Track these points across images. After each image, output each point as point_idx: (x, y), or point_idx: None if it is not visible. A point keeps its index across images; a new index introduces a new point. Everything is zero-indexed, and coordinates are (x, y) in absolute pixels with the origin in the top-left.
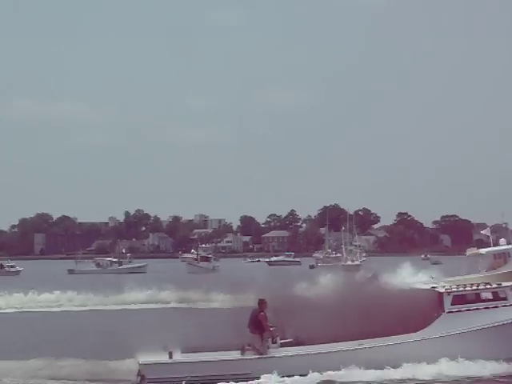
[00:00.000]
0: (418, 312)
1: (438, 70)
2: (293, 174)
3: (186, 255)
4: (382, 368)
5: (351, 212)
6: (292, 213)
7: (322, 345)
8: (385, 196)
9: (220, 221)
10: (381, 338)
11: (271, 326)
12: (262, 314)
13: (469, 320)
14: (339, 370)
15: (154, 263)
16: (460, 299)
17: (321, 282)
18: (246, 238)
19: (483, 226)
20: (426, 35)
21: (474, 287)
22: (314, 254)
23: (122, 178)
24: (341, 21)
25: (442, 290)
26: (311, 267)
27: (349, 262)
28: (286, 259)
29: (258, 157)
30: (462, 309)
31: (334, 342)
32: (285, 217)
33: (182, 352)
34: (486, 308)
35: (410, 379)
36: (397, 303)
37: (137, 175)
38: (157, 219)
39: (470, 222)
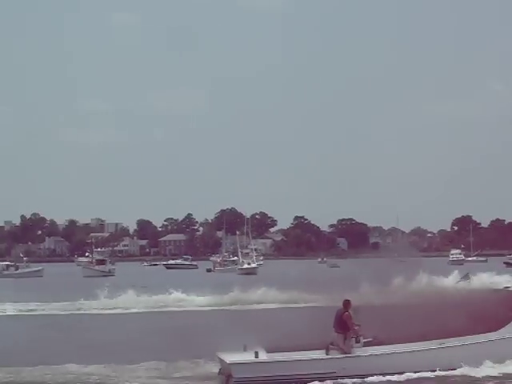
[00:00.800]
0: (493, 312)
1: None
2: (190, 177)
3: (81, 259)
4: (462, 366)
5: (248, 216)
6: (189, 216)
7: (402, 344)
8: (282, 200)
9: (117, 224)
10: (460, 337)
11: (356, 325)
12: (346, 313)
13: None
14: (424, 369)
15: (51, 267)
16: None
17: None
18: (143, 242)
19: (379, 229)
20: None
21: None
22: (211, 258)
23: (17, 181)
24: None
25: None
26: (208, 271)
27: (245, 266)
28: (183, 263)
29: (154, 160)
30: None
31: (412, 341)
32: (181, 220)
33: (267, 352)
34: None
35: (491, 377)
36: (472, 303)
37: (32, 178)
38: (53, 223)
39: (366, 225)
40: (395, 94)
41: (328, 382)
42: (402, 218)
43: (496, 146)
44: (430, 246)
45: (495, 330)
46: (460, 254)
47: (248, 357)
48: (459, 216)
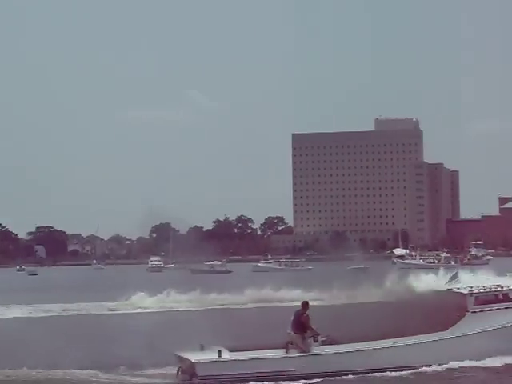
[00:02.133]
0: (441, 313)
1: None
2: None
3: None
4: (414, 366)
5: None
6: None
7: (357, 343)
8: None
9: None
10: (411, 336)
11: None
12: (304, 315)
13: (491, 319)
14: (379, 367)
15: None
16: (481, 300)
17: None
18: None
19: (78, 236)
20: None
21: (493, 289)
22: None
23: None
24: None
25: (466, 292)
26: None
27: None
28: None
29: None
30: (485, 309)
31: (365, 341)
32: None
33: (230, 351)
34: (506, 308)
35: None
36: (422, 305)
37: None
38: None
39: (64, 232)
40: (91, 103)
41: (287, 380)
42: (103, 226)
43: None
44: (128, 252)
45: (443, 330)
46: (159, 261)
47: (211, 356)
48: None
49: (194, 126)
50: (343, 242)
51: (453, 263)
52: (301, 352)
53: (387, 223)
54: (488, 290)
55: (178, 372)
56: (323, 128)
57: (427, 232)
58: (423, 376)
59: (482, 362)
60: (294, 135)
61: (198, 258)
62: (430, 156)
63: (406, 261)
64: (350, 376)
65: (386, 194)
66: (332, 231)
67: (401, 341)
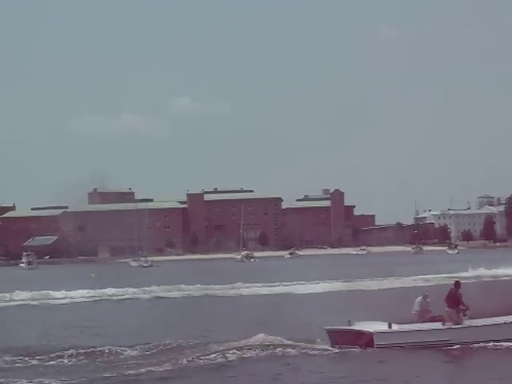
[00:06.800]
0: None
1: None
2: None
3: None
4: None
5: None
6: None
7: (495, 317)
8: None
9: None
10: None
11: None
12: (458, 292)
13: None
14: None
15: None
16: None
17: None
18: None
19: None
20: None
21: None
22: None
23: None
24: None
25: None
26: None
27: None
28: None
29: None
30: None
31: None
32: None
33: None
34: None
35: None
36: None
37: None
38: None
39: None
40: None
41: (447, 347)
42: None
43: None
44: None
45: None
46: None
47: (382, 327)
48: None
49: None
50: None
51: None
52: (454, 324)
53: None
54: None
55: (332, 343)
56: None
57: None
58: None
59: None
60: None
61: None
62: None
63: None
64: (494, 345)
65: None
66: None
67: None
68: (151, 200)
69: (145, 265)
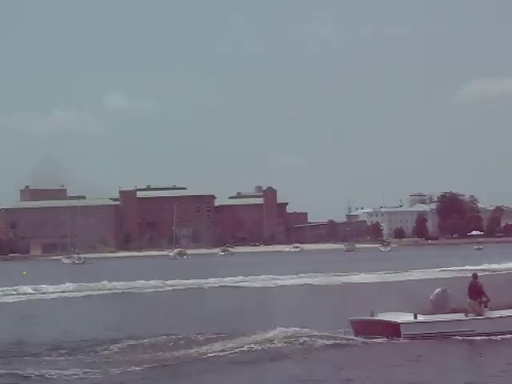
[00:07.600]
0: None
1: None
2: None
3: None
4: None
5: None
6: None
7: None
8: None
9: None
10: None
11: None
12: (479, 283)
13: None
14: None
15: None
16: None
17: None
18: None
19: None
20: None
21: None
22: None
23: None
24: None
25: None
26: None
27: None
28: None
29: None
30: None
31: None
32: None
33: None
34: None
35: None
36: None
37: None
38: None
39: None
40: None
41: (470, 337)
42: None
43: None
44: None
45: None
46: None
47: (408, 318)
48: None
49: None
50: None
51: None
52: (477, 315)
53: None
54: None
55: (356, 334)
56: None
57: None
58: None
59: None
60: None
61: None
62: None
63: None
64: None
65: None
66: None
67: None
68: (84, 197)
69: (77, 262)
